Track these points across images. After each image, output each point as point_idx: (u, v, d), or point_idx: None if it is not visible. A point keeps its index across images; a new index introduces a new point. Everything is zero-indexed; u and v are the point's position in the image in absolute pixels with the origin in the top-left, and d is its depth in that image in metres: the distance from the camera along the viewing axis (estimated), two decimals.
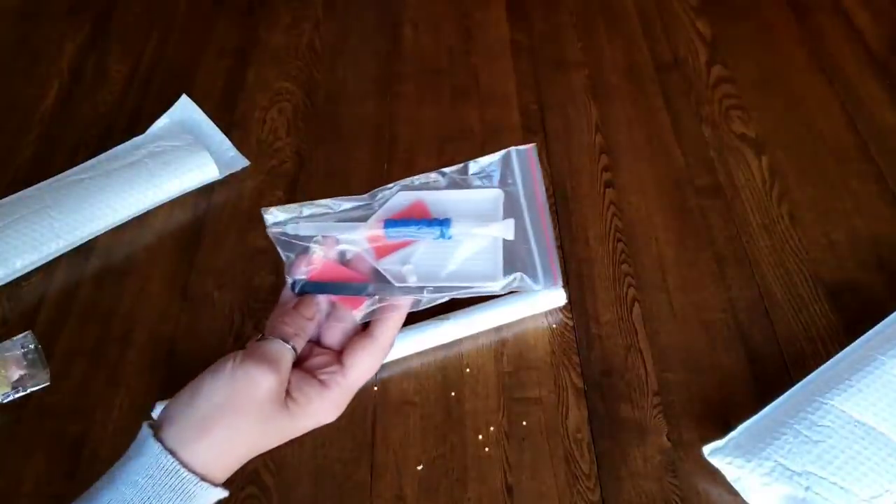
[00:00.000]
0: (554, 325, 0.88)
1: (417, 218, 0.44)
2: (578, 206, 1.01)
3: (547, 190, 1.02)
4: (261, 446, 0.46)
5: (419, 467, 0.77)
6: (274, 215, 0.46)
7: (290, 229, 0.45)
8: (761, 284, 0.92)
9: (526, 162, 0.48)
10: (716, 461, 0.75)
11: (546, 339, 0.87)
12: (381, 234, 0.44)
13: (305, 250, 0.44)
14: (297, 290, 0.45)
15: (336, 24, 1.29)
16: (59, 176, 0.99)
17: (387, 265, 0.44)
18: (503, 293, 0.47)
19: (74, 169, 1.00)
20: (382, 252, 0.44)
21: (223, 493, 0.45)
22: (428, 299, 0.44)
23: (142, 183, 0.98)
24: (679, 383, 0.83)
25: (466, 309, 0.86)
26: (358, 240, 0.44)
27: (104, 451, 0.78)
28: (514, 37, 1.26)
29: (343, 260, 0.46)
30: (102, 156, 1.02)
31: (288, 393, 0.45)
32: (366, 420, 0.81)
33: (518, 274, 0.45)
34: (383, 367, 0.84)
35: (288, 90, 1.17)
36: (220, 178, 1.03)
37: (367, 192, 0.47)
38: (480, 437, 0.79)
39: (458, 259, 0.43)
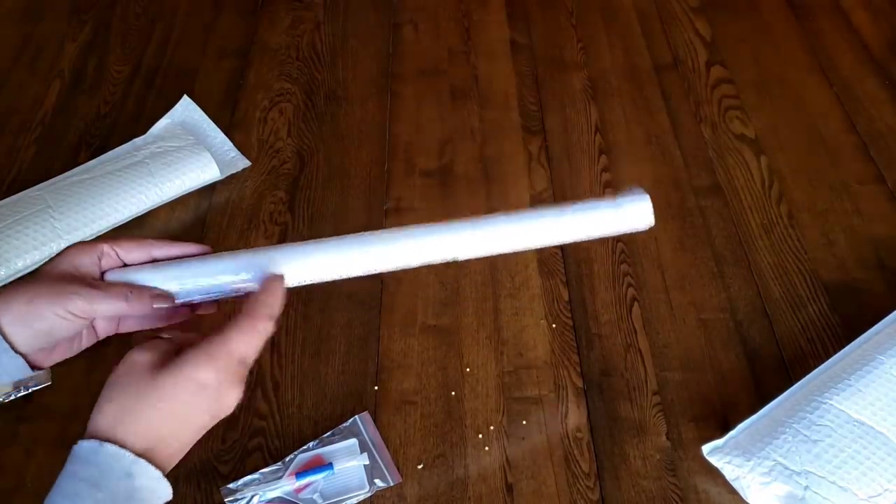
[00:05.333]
0: (554, 325, 0.88)
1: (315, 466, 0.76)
2: None
3: (546, 191, 1.03)
4: (183, 420, 0.51)
5: (419, 466, 0.77)
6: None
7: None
8: (760, 284, 0.92)
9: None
10: (715, 460, 0.75)
11: (546, 339, 0.87)
12: (293, 480, 0.75)
13: None
14: None
15: (336, 24, 1.29)
16: (61, 176, 1.00)
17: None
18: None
19: (76, 169, 1.01)
20: (299, 490, 0.75)
21: (166, 486, 0.49)
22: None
23: (143, 183, 0.98)
24: (678, 383, 0.84)
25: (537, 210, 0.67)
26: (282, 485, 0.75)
27: None
28: (514, 37, 1.26)
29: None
30: (103, 156, 1.03)
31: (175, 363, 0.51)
32: None
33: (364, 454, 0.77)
34: (383, 364, 0.85)
35: (289, 91, 1.17)
36: (221, 178, 1.03)
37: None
38: (480, 436, 0.80)
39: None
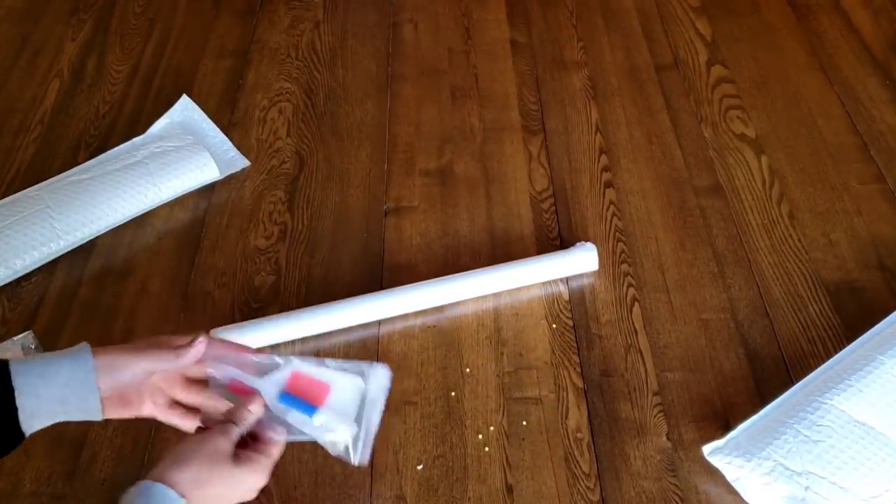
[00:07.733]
0: (554, 325, 0.88)
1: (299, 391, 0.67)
2: (578, 206, 1.01)
3: (546, 190, 1.03)
4: (225, 495, 0.61)
5: (419, 467, 0.77)
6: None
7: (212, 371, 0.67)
8: (761, 284, 0.92)
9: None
10: (715, 461, 0.75)
11: (546, 339, 0.87)
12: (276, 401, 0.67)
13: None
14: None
15: (336, 24, 1.29)
16: (60, 176, 1.00)
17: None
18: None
19: (75, 169, 1.01)
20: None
21: None
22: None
23: (142, 183, 0.98)
24: (679, 383, 0.83)
25: (496, 266, 0.91)
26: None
27: (104, 451, 0.78)
28: (514, 37, 1.26)
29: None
30: (103, 156, 1.02)
31: (237, 456, 0.62)
32: None
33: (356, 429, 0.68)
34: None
35: (288, 90, 1.17)
36: (221, 178, 1.03)
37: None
38: (480, 436, 0.79)
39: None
